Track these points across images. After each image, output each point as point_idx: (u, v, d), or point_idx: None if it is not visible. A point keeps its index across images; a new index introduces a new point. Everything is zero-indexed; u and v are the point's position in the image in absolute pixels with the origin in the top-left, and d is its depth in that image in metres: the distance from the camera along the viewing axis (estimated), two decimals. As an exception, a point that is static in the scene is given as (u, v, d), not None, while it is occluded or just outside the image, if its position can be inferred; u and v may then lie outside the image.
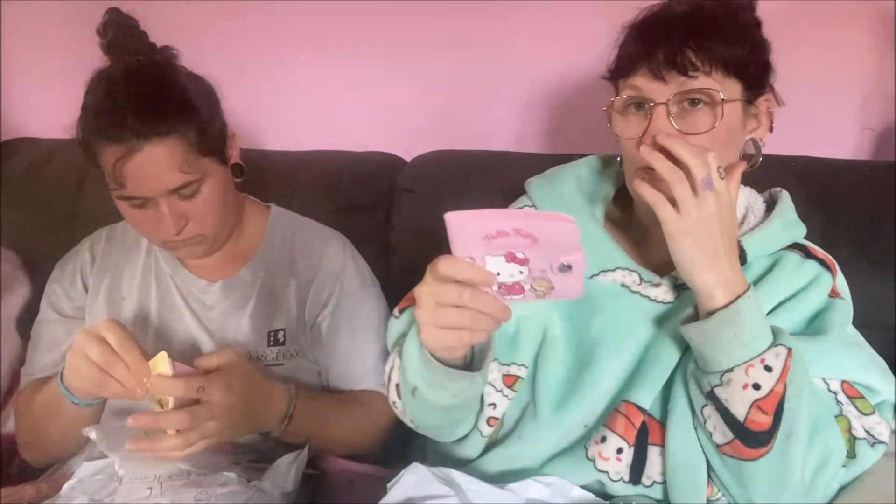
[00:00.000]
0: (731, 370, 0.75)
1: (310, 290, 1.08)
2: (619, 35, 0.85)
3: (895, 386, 0.85)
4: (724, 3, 0.83)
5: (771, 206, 0.93)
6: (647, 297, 0.89)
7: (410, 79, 1.48)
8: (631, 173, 0.84)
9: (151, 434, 0.85)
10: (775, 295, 0.86)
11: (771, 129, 0.87)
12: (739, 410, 0.75)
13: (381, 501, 0.78)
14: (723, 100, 0.79)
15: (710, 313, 0.75)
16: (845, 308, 0.88)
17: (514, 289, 0.70)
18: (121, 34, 0.95)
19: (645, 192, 0.76)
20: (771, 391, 0.74)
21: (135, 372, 0.85)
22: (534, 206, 0.99)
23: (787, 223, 0.90)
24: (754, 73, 0.82)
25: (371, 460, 1.03)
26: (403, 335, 0.92)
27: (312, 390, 1.06)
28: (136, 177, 0.90)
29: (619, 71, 0.85)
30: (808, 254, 0.90)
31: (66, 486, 0.90)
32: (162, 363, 0.85)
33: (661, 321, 0.88)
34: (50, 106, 1.66)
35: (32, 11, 1.59)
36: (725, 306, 0.75)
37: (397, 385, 0.89)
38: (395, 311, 0.98)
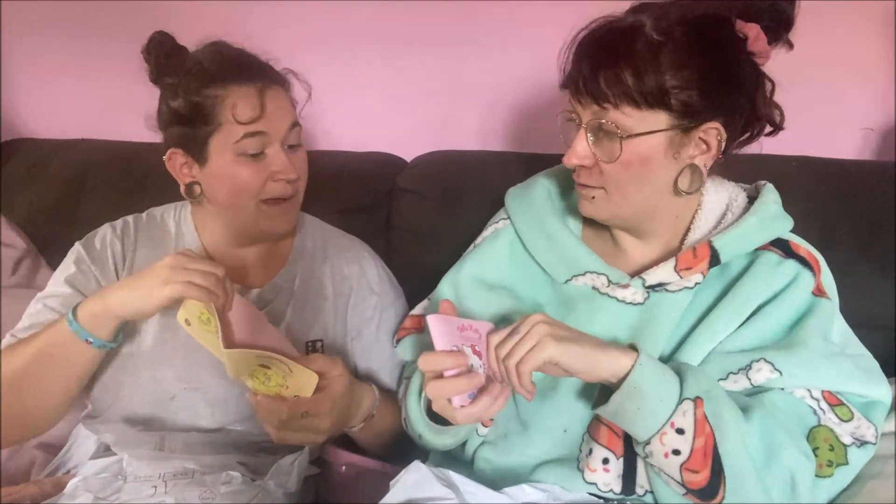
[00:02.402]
0: (648, 442, 0.75)
1: (349, 301, 1.08)
2: (563, 47, 0.85)
3: (886, 387, 0.84)
4: (660, 27, 0.79)
5: (755, 200, 0.90)
6: (616, 298, 0.88)
7: (410, 79, 1.48)
8: None
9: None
10: (753, 298, 0.84)
11: (717, 157, 0.84)
12: (674, 475, 0.75)
13: (382, 501, 0.78)
14: (620, 137, 0.80)
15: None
16: (829, 309, 0.85)
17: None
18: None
19: (526, 390, 0.77)
20: (692, 451, 0.73)
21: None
22: (509, 217, 1.01)
23: (767, 219, 0.87)
24: (686, 103, 0.79)
25: (376, 455, 1.04)
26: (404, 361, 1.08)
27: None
28: (271, 110, 0.98)
29: (562, 84, 0.87)
30: (788, 252, 0.87)
31: (70, 485, 0.90)
32: (308, 386, 0.85)
33: (630, 324, 0.87)
34: (50, 106, 1.67)
35: (33, 11, 1.59)
36: (619, 383, 0.74)
37: (405, 419, 0.97)
38: (394, 339, 1.07)
